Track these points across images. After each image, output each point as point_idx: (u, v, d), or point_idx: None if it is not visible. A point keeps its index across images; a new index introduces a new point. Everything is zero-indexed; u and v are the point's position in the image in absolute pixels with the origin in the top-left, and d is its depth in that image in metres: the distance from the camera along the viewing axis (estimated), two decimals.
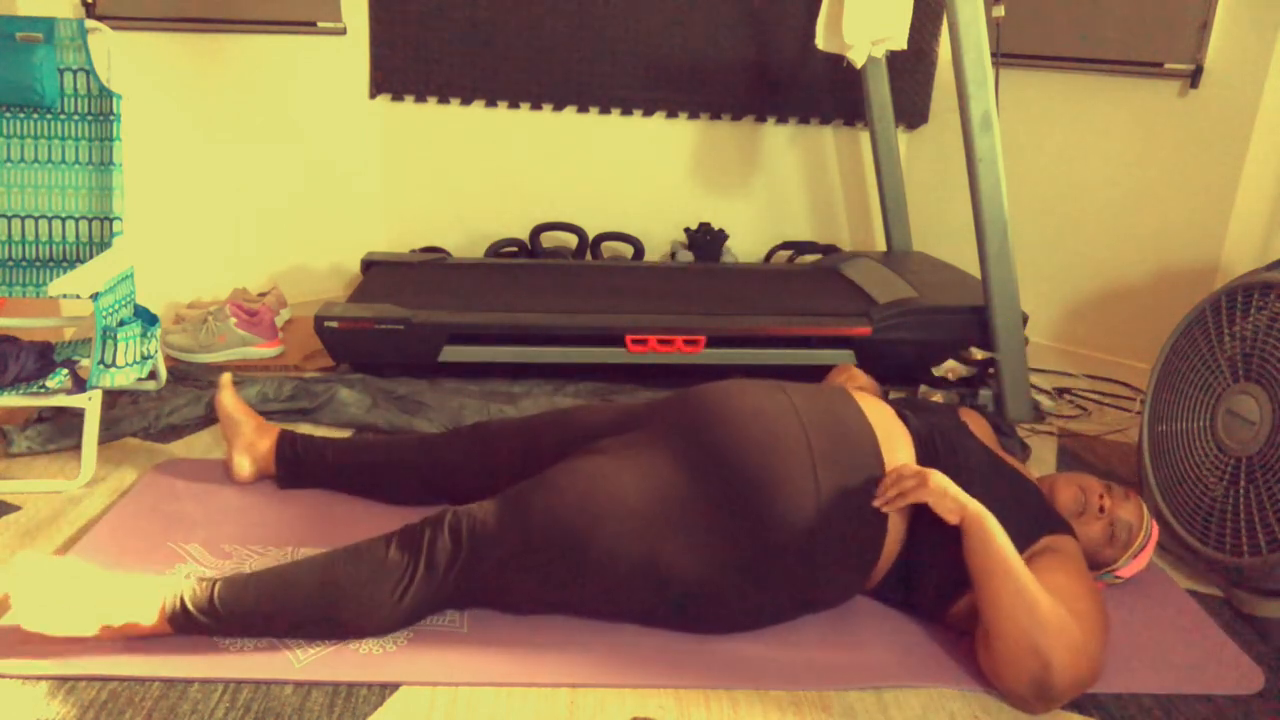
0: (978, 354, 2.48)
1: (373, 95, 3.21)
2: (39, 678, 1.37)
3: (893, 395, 2.49)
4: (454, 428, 1.91)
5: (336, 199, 3.23)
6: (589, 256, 3.31)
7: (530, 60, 3.20)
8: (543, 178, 3.36)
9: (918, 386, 2.56)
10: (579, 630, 1.53)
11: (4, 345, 2.00)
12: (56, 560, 1.43)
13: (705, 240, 3.26)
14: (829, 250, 3.39)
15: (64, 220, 2.16)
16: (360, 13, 3.10)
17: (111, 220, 2.15)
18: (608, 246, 3.37)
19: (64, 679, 1.37)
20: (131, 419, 2.16)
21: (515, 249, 3.29)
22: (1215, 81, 2.68)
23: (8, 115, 2.12)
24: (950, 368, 2.53)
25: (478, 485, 1.74)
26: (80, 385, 1.95)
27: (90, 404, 1.92)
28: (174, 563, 1.65)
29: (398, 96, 3.22)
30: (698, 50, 3.23)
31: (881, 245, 3.49)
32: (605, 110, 3.30)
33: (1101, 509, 1.63)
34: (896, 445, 1.55)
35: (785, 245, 3.42)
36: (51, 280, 1.96)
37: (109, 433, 2.11)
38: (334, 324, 2.44)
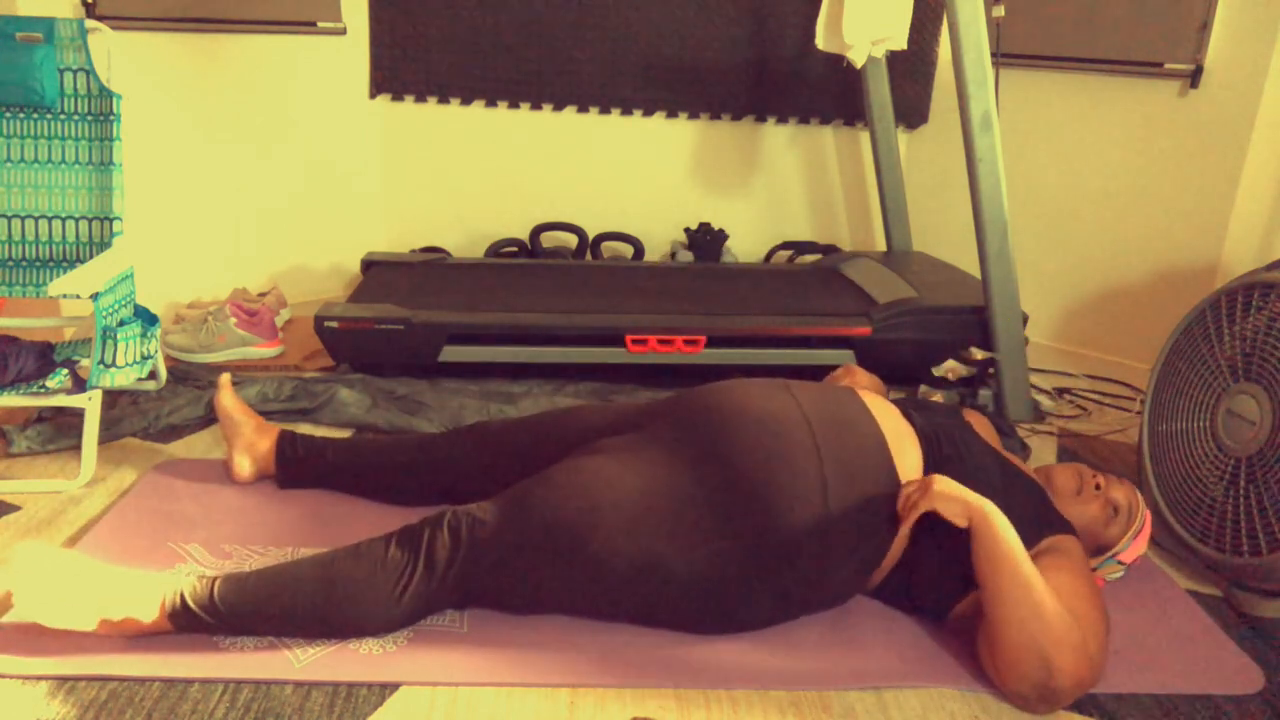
0: (978, 354, 2.48)
1: (373, 95, 3.21)
2: (39, 678, 1.37)
3: (893, 395, 2.49)
4: (454, 428, 1.91)
5: (336, 199, 3.23)
6: (589, 256, 3.31)
7: (530, 60, 3.20)
8: (543, 178, 3.36)
9: (918, 386, 2.56)
10: (579, 630, 1.53)
11: (4, 345, 2.00)
12: (59, 551, 1.43)
13: (705, 240, 3.26)
14: (829, 250, 3.39)
15: (64, 220, 2.16)
16: (360, 13, 3.10)
17: (111, 220, 2.15)
18: (608, 246, 3.37)
19: (64, 679, 1.37)
20: (131, 419, 2.16)
21: (515, 249, 3.29)
22: (1215, 81, 2.68)
23: (8, 115, 2.12)
24: (950, 368, 2.53)
25: (478, 486, 1.74)
26: (80, 385, 1.95)
27: (90, 404, 1.92)
28: (174, 563, 1.65)
29: (398, 96, 3.22)
30: (698, 50, 3.23)
31: (881, 245, 3.49)
32: (605, 110, 3.30)
33: (1097, 486, 1.65)
34: (904, 445, 1.55)
35: (785, 245, 3.42)
36: (51, 280, 1.96)
37: (109, 433, 2.11)
38: (334, 324, 2.44)
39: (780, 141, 3.40)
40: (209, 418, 2.24)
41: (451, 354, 2.48)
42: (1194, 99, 2.73)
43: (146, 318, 2.08)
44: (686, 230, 3.32)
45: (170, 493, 1.89)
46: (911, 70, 3.27)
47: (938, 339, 2.56)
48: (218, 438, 2.16)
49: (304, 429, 2.23)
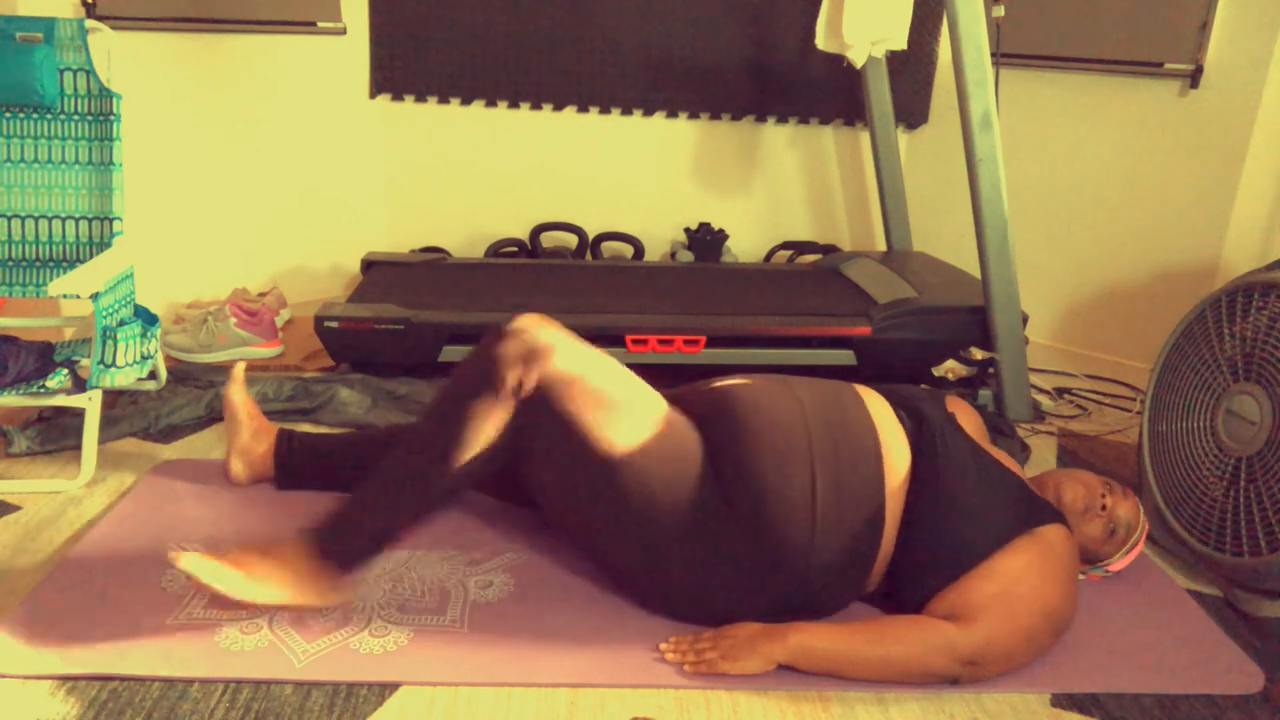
0: (978, 354, 2.48)
1: (373, 95, 3.21)
2: (39, 677, 1.37)
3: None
4: None
5: (336, 199, 3.23)
6: (589, 256, 3.31)
7: (530, 60, 3.20)
8: (543, 178, 3.36)
9: (906, 385, 2.56)
10: (579, 630, 1.53)
11: (4, 345, 2.00)
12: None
13: (705, 240, 3.26)
14: (829, 250, 3.40)
15: (64, 220, 2.16)
16: (360, 13, 3.10)
17: (111, 220, 2.15)
18: (608, 246, 3.37)
19: (64, 679, 1.37)
20: (131, 419, 2.16)
21: (515, 249, 3.29)
22: (1215, 81, 2.68)
23: (8, 115, 2.12)
24: (950, 368, 2.53)
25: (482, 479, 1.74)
26: (80, 385, 1.95)
27: (90, 404, 1.92)
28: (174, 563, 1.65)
29: (398, 96, 3.22)
30: (698, 50, 3.23)
31: (881, 245, 3.49)
32: (605, 110, 3.30)
33: (1104, 508, 1.64)
34: (895, 452, 1.54)
35: (785, 245, 3.42)
36: (51, 280, 1.96)
37: (109, 433, 2.11)
38: (334, 324, 2.44)
39: (780, 141, 3.40)
40: (209, 418, 2.24)
41: (451, 354, 2.48)
42: (1194, 99, 2.73)
43: (146, 318, 2.08)
44: (686, 230, 3.32)
45: (170, 493, 1.89)
46: (911, 70, 3.27)
47: (938, 339, 2.56)
48: (218, 437, 2.16)
49: (304, 429, 2.23)
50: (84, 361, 2.05)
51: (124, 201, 2.15)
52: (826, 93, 3.31)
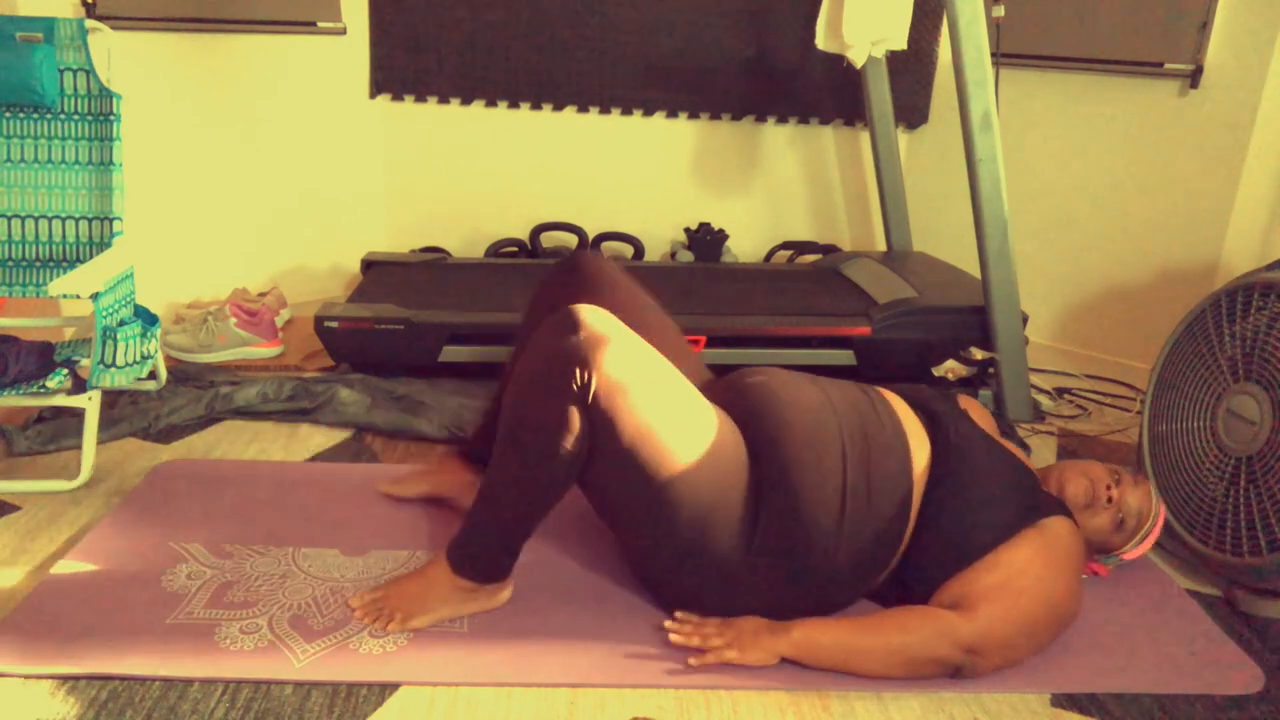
0: (978, 354, 2.48)
1: (373, 95, 3.21)
2: (39, 677, 1.37)
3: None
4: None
5: (336, 199, 3.23)
6: None
7: (530, 60, 3.20)
8: (543, 178, 3.36)
9: (916, 385, 2.56)
10: (579, 630, 1.53)
11: (4, 345, 2.00)
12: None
13: (705, 240, 3.26)
14: (829, 250, 3.39)
15: (64, 220, 2.16)
16: (360, 13, 3.10)
17: (111, 220, 2.15)
18: (608, 246, 3.37)
19: (64, 679, 1.37)
20: (131, 419, 2.16)
21: (515, 249, 3.29)
22: (1215, 81, 2.68)
23: (8, 115, 2.12)
24: (950, 368, 2.53)
25: None
26: (80, 385, 1.95)
27: (90, 404, 1.92)
28: (174, 563, 1.65)
29: (398, 96, 3.22)
30: (698, 50, 3.23)
31: (881, 245, 3.49)
32: (605, 110, 3.30)
33: (1109, 499, 1.63)
34: (916, 444, 1.54)
35: (785, 245, 3.42)
36: (51, 280, 1.96)
37: (109, 433, 2.11)
38: (334, 324, 2.44)
39: (780, 141, 3.40)
40: (209, 418, 2.24)
41: (451, 354, 2.48)
42: (1194, 99, 2.73)
43: (146, 318, 2.08)
44: (686, 230, 3.32)
45: (170, 493, 1.89)
46: (911, 70, 3.27)
47: (938, 339, 2.56)
48: (218, 437, 2.16)
49: (304, 429, 2.23)
50: (84, 361, 2.04)
51: (124, 201, 2.15)
52: (826, 93, 3.31)
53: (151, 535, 1.73)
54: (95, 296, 1.89)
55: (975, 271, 3.18)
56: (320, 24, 3.01)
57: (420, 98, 3.23)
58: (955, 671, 1.44)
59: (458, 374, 2.54)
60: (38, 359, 2.01)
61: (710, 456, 1.43)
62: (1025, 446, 2.29)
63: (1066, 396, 2.68)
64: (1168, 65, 2.73)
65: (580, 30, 3.18)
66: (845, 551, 1.47)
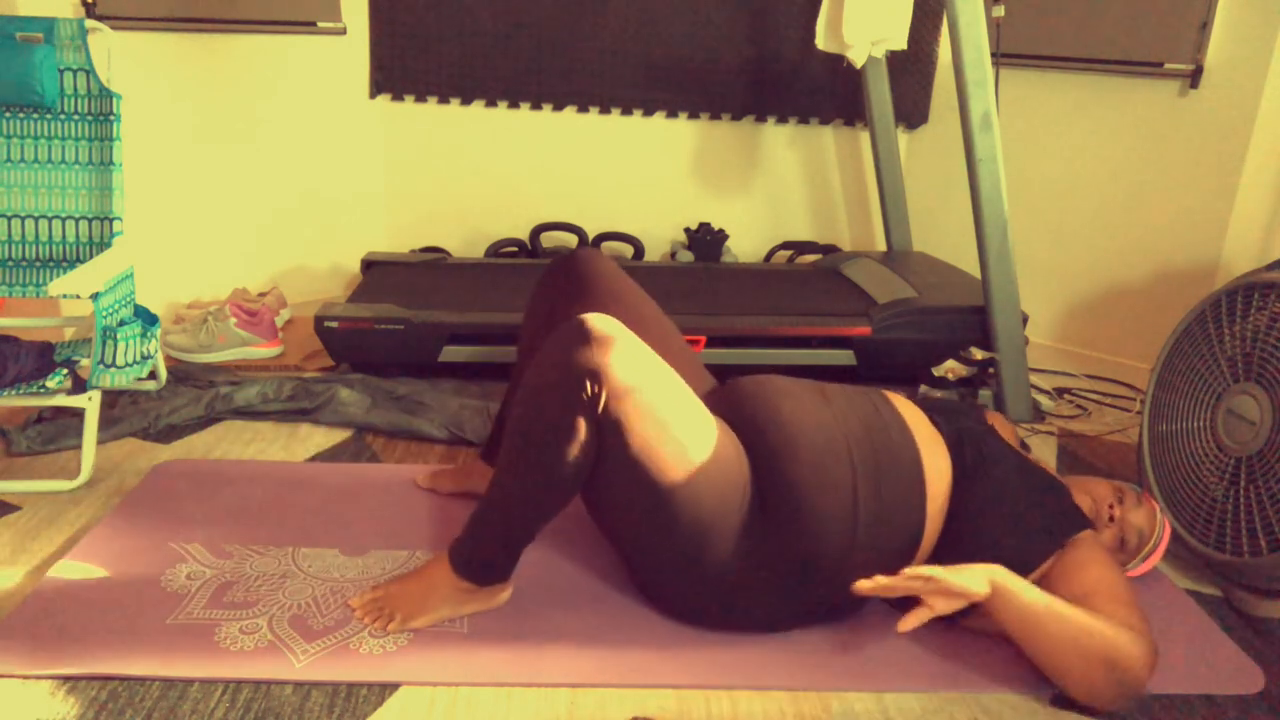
0: (978, 354, 2.48)
1: (373, 95, 3.21)
2: (39, 677, 1.37)
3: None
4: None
5: (336, 199, 3.23)
6: None
7: (530, 60, 3.20)
8: (543, 178, 3.36)
9: (918, 386, 2.56)
10: (579, 630, 1.53)
11: (4, 345, 2.00)
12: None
13: (705, 240, 3.26)
14: (829, 250, 3.39)
15: (64, 220, 2.16)
16: (360, 13, 3.10)
17: (111, 220, 2.15)
18: (608, 246, 3.37)
19: (64, 679, 1.37)
20: (131, 419, 2.16)
21: (515, 249, 3.29)
22: (1215, 81, 2.68)
23: (8, 115, 2.12)
24: (950, 368, 2.53)
25: None
26: (80, 385, 1.95)
27: (90, 404, 1.92)
28: (174, 563, 1.65)
29: (398, 96, 3.22)
30: (698, 50, 3.23)
31: (881, 245, 3.49)
32: (605, 110, 3.30)
33: (1111, 518, 1.63)
34: (934, 454, 1.53)
35: (785, 245, 3.42)
36: (51, 280, 1.96)
37: (109, 433, 2.11)
38: (334, 324, 2.44)
39: (780, 141, 3.40)
40: (209, 418, 2.24)
41: (451, 354, 2.48)
42: (1194, 99, 2.73)
43: (146, 318, 2.08)
44: (686, 230, 3.32)
45: (170, 493, 1.89)
46: (911, 70, 3.27)
47: (938, 339, 2.56)
48: (218, 437, 2.16)
49: (304, 429, 2.23)
50: (84, 361, 2.05)
51: (124, 201, 2.15)
52: (826, 93, 3.31)
53: (151, 535, 1.73)
54: (95, 296, 1.89)
55: (975, 271, 3.18)
56: (320, 24, 3.01)
57: (420, 98, 3.23)
58: (1118, 685, 1.35)
59: (458, 374, 2.54)
60: (38, 359, 2.01)
61: (712, 466, 1.42)
62: (1025, 447, 2.29)
63: (1066, 396, 2.68)
64: (1168, 65, 2.73)
65: (580, 30, 3.18)
66: (856, 568, 1.46)
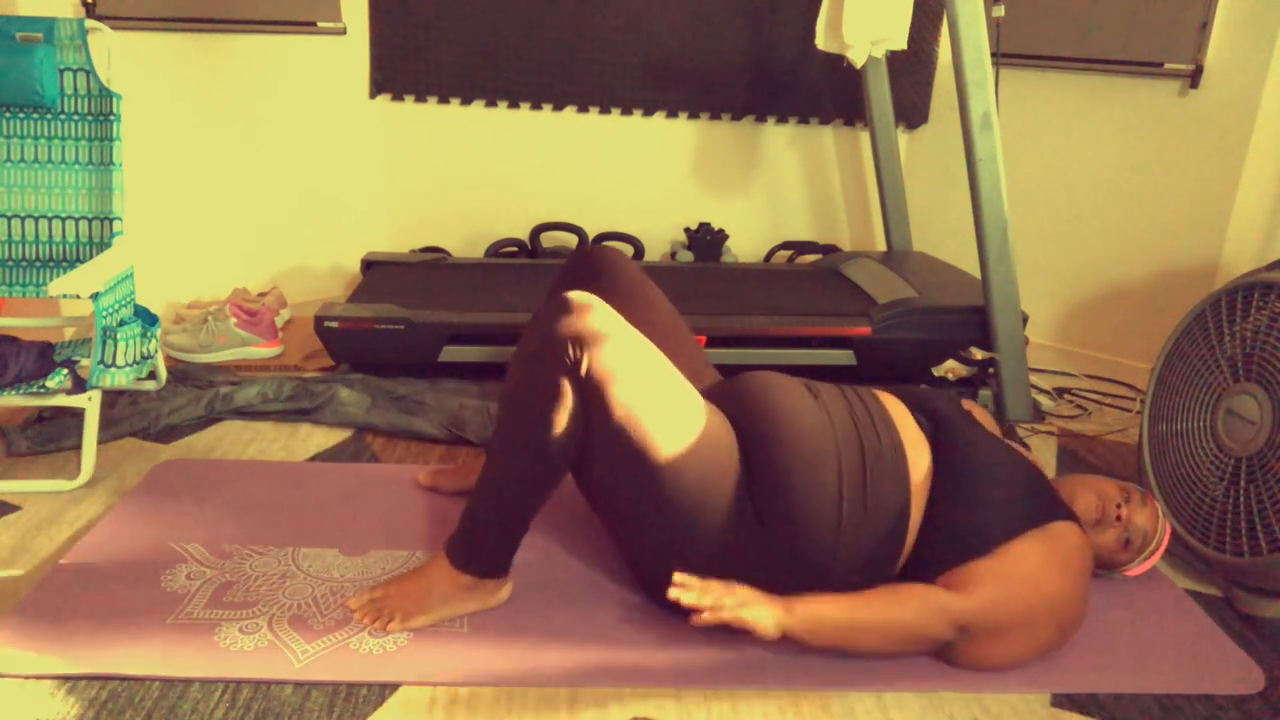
0: (978, 354, 2.48)
1: (373, 95, 3.21)
2: (39, 677, 1.37)
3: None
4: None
5: (336, 199, 3.23)
6: None
7: (530, 60, 3.20)
8: (543, 178, 3.36)
9: (917, 387, 2.56)
10: (579, 630, 1.53)
11: (4, 345, 2.00)
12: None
13: (705, 240, 3.26)
14: (829, 250, 3.39)
15: (64, 220, 2.16)
16: (360, 13, 3.10)
17: (111, 220, 2.15)
18: (608, 246, 3.36)
19: (64, 679, 1.37)
20: (131, 419, 2.16)
21: (515, 249, 3.29)
22: (1215, 81, 2.68)
23: (8, 115, 2.12)
24: (950, 368, 2.53)
25: None
26: (80, 385, 1.95)
27: (90, 404, 1.92)
28: (174, 563, 1.65)
29: (398, 96, 3.22)
30: (698, 50, 3.23)
31: (881, 245, 3.49)
32: (605, 110, 3.30)
33: (1118, 518, 1.62)
34: (917, 454, 1.53)
35: (785, 245, 3.42)
36: (51, 280, 1.96)
37: (109, 433, 2.11)
38: (334, 324, 2.44)
39: (780, 141, 3.40)
40: (209, 418, 2.24)
41: (451, 354, 2.48)
42: (1194, 99, 2.73)
43: (146, 318, 2.08)
44: (686, 230, 3.32)
45: (170, 493, 1.89)
46: (911, 70, 3.27)
47: (938, 339, 2.56)
48: (218, 437, 2.16)
49: (304, 429, 2.23)
50: (84, 361, 2.04)
51: (124, 201, 2.15)
52: (826, 93, 3.31)
53: (151, 535, 1.73)
54: (95, 296, 1.89)
55: (975, 271, 3.18)
56: (320, 24, 3.01)
57: (420, 98, 3.23)
58: (943, 649, 1.43)
59: (458, 374, 2.54)
60: (38, 359, 2.01)
61: (700, 445, 1.43)
62: (1025, 446, 2.29)
63: (1066, 396, 2.68)
64: (1168, 65, 2.73)
65: (580, 30, 3.18)
66: (843, 560, 1.47)
